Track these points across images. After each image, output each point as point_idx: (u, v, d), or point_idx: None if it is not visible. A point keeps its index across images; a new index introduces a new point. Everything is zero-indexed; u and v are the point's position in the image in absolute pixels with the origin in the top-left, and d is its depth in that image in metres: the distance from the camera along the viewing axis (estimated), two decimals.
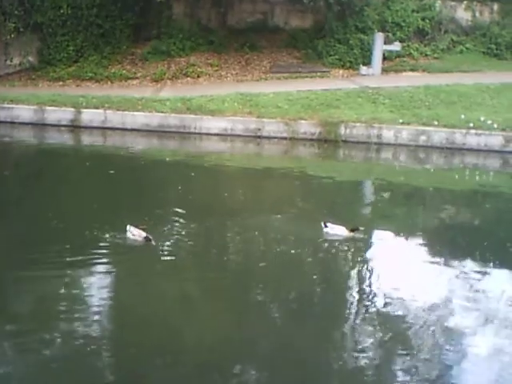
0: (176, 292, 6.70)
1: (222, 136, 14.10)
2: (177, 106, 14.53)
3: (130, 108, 14.43)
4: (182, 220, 8.47)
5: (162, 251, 7.45)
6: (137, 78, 17.64)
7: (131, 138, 14.09)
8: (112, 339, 5.72)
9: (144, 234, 7.55)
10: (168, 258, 7.34)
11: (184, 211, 8.81)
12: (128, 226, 7.67)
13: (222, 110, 14.37)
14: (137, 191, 10.29)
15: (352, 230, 8.07)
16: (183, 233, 8.08)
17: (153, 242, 7.49)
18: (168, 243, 7.67)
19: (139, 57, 18.37)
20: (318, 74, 17.87)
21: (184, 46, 18.48)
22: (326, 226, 8.16)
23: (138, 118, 14.30)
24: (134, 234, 7.61)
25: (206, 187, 10.82)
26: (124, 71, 17.80)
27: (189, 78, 17.65)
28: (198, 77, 17.69)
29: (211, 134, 14.13)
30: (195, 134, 14.19)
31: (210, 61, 18.29)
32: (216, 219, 8.75)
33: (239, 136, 14.08)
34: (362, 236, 8.15)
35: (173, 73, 17.74)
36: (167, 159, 12.63)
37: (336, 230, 8.11)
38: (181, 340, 5.74)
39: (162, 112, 14.34)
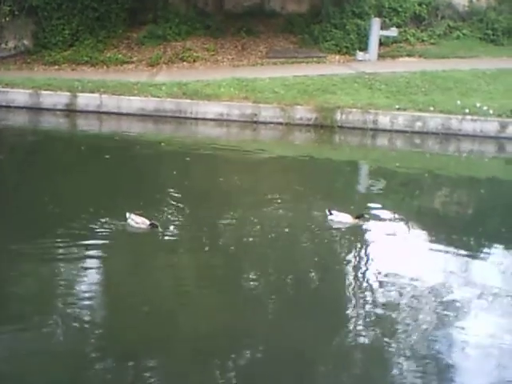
0: (175, 279, 6.71)
1: (218, 121, 14.08)
2: (173, 91, 14.49)
3: (125, 92, 14.39)
4: (178, 205, 8.46)
5: (161, 237, 7.41)
6: (132, 62, 17.55)
7: (127, 123, 14.07)
8: (110, 326, 5.75)
9: (148, 222, 7.45)
10: (166, 244, 7.34)
11: (180, 196, 8.81)
12: (128, 214, 7.52)
13: (218, 95, 14.34)
14: (132, 176, 10.27)
15: (357, 217, 8.06)
16: (180, 218, 8.08)
17: (160, 229, 7.40)
18: (166, 228, 7.61)
19: (135, 41, 18.27)
20: (315, 59, 17.82)
21: (180, 30, 18.39)
22: (330, 214, 8.11)
23: (134, 103, 14.26)
24: (138, 221, 7.46)
25: (202, 172, 10.80)
26: (120, 55, 17.70)
27: (185, 63, 17.58)
28: (194, 61, 17.63)
29: (207, 119, 14.11)
30: (191, 118, 14.16)
31: (206, 45, 18.22)
32: (213, 205, 8.74)
33: (235, 121, 14.06)
34: (366, 223, 8.16)
35: (169, 57, 17.66)
36: (162, 144, 12.59)
37: (341, 218, 8.08)
38: (180, 326, 5.75)
39: (157, 97, 14.30)
